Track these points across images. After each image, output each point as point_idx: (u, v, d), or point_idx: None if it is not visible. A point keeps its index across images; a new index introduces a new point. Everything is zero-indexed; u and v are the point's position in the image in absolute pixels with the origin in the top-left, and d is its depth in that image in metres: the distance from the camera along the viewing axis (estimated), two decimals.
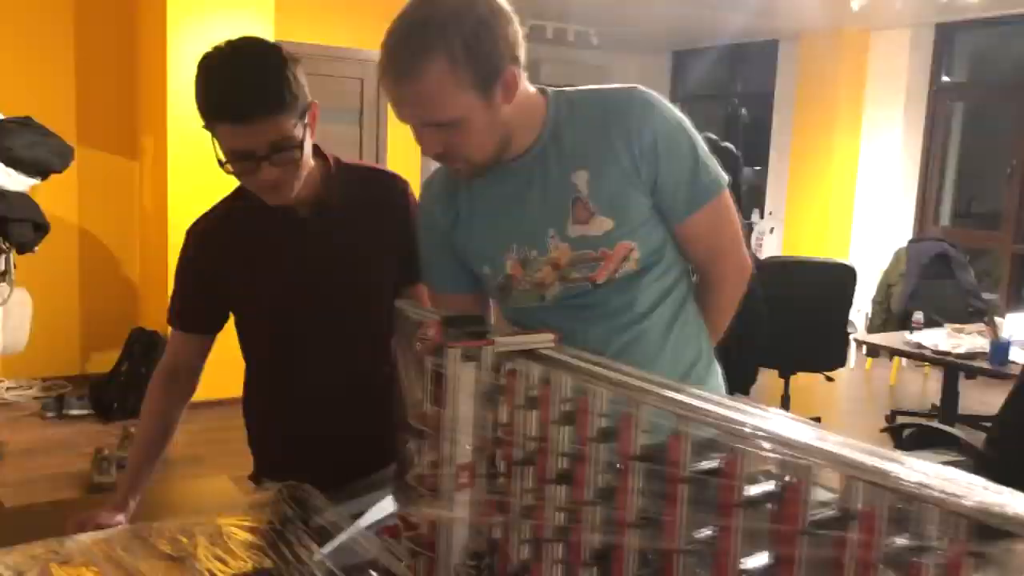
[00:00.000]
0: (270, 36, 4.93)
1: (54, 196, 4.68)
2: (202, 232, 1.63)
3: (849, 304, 4.17)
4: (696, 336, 1.46)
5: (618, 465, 0.93)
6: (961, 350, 3.50)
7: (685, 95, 9.08)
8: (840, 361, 4.26)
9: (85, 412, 4.66)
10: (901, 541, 0.70)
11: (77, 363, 5.31)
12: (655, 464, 0.89)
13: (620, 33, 7.71)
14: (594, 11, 6.84)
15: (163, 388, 1.66)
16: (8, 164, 3.60)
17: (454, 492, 1.03)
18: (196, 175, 4.81)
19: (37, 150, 3.68)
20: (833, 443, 0.76)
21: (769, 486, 0.80)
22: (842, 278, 4.15)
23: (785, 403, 4.53)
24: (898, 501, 0.70)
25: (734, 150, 3.50)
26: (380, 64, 1.24)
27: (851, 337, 4.19)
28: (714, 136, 3.57)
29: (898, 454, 0.73)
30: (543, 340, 1.07)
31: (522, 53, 1.28)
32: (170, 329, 1.68)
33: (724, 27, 7.25)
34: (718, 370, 1.51)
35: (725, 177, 1.39)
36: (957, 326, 3.79)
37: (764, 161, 7.97)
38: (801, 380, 4.74)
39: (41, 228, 3.81)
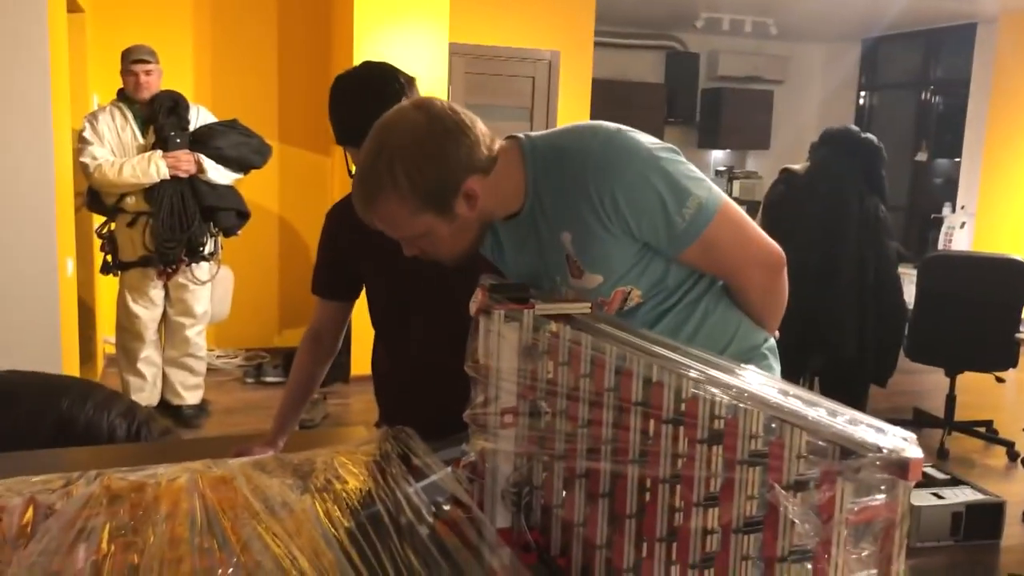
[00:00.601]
0: (445, 39, 5.30)
1: (258, 188, 5.29)
2: (336, 216, 1.93)
3: (1020, 302, 3.96)
4: (720, 333, 1.46)
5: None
6: None
7: (874, 84, 8.72)
8: (1011, 362, 4.06)
9: (279, 379, 5.25)
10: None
11: (275, 336, 5.95)
12: (647, 408, 1.06)
13: (802, 22, 7.54)
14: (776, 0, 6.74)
15: (308, 348, 1.96)
16: (218, 161, 4.16)
17: (499, 430, 1.24)
18: None
19: (241, 149, 4.22)
20: (760, 388, 0.90)
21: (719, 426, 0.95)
22: (1012, 274, 3.95)
23: (950, 403, 4.36)
24: (806, 436, 0.83)
25: (875, 141, 3.44)
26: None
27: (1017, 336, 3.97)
28: (855, 128, 3.53)
29: (814, 398, 0.86)
30: (580, 307, 1.25)
31: (485, 150, 1.32)
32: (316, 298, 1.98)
33: (917, 11, 6.93)
34: (766, 365, 1.50)
35: (713, 204, 1.33)
36: None
37: (958, 152, 7.53)
38: (971, 381, 4.54)
39: (243, 215, 4.35)
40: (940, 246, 7.13)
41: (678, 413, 1.00)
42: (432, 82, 5.31)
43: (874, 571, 0.80)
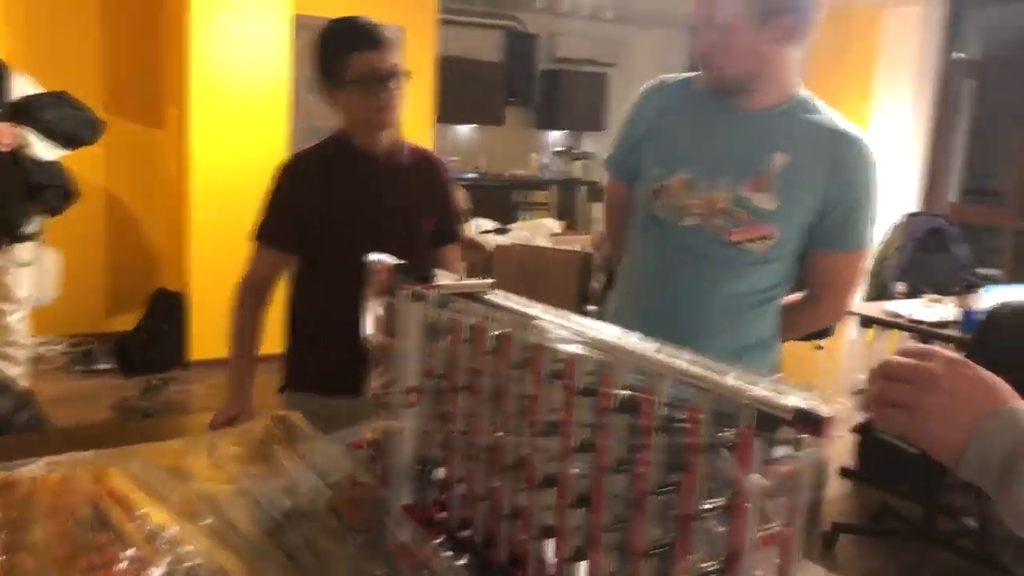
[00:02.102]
0: (290, 11, 5.13)
1: (83, 162, 4.93)
2: (292, 166, 1.99)
3: None
4: (761, 331, 1.76)
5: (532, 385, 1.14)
6: (933, 319, 3.66)
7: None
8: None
9: (110, 366, 4.96)
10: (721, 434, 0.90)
11: (103, 321, 5.59)
12: (561, 380, 1.10)
13: (637, 7, 7.82)
14: None
15: (250, 295, 1.99)
16: (45, 135, 3.85)
17: (403, 408, 1.24)
18: (216, 144, 5.04)
19: (69, 123, 3.92)
20: (676, 360, 0.96)
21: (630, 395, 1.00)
22: None
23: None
24: (713, 401, 0.89)
25: None
26: None
27: None
28: None
29: (721, 367, 0.93)
30: (481, 285, 1.27)
31: (808, 21, 1.60)
32: (255, 245, 2.00)
33: None
34: (773, 361, 1.87)
35: (872, 243, 1.71)
36: (936, 296, 3.94)
37: None
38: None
39: (71, 194, 4.06)
40: None
41: (591, 385, 1.05)
42: (274, 54, 5.14)
43: (780, 522, 0.88)
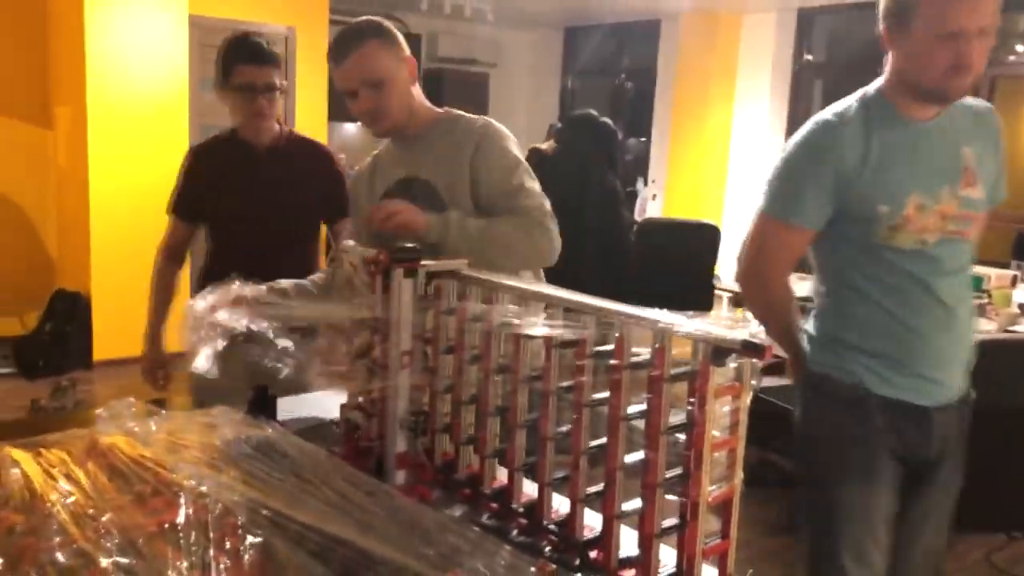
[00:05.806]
0: (185, 11, 5.16)
1: None
2: (194, 151, 2.46)
3: (714, 258, 4.76)
4: None
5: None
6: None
7: (576, 69, 9.58)
8: (707, 308, 4.86)
9: (9, 371, 4.85)
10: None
11: None
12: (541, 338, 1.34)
13: (514, 9, 8.13)
14: None
15: (165, 260, 2.47)
16: None
17: (400, 369, 1.46)
18: (115, 143, 5.02)
19: None
20: (643, 313, 1.23)
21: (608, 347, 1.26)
22: (708, 236, 4.74)
23: None
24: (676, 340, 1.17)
25: (611, 124, 3.99)
26: None
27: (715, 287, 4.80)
28: (594, 112, 4.06)
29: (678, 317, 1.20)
30: (459, 264, 1.50)
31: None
32: (171, 218, 2.46)
33: (612, 6, 7.77)
34: None
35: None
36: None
37: (648, 132, 8.56)
38: None
39: None
40: (636, 216, 8.09)
41: (569, 341, 1.30)
42: (171, 53, 5.16)
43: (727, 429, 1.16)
